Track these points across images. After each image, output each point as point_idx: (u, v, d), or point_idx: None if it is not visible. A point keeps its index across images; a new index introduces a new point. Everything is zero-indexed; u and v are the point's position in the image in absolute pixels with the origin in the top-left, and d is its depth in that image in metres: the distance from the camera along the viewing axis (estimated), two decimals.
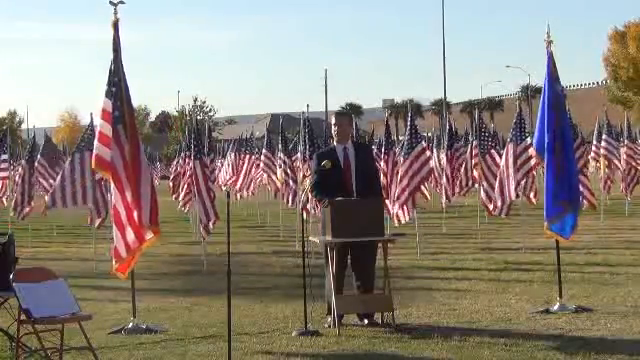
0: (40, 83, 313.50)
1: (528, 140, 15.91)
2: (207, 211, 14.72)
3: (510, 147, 15.98)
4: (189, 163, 17.54)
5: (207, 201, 14.74)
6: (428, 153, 16.32)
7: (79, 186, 14.88)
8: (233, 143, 30.02)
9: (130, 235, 9.05)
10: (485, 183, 18.07)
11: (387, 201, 16.16)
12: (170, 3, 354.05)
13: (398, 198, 15.45)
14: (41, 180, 19.89)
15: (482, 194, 17.83)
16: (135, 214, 8.99)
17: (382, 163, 16.83)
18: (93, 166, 9.58)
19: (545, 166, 10.28)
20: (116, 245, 9.15)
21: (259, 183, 25.87)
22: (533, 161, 15.61)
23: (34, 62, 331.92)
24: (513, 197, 15.64)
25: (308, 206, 15.04)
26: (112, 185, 9.27)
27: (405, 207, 15.40)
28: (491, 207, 17.92)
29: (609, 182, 23.95)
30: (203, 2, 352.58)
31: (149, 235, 9.07)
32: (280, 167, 19.99)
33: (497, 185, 16.30)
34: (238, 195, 26.97)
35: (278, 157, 20.78)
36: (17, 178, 20.17)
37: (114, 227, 9.18)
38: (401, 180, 15.50)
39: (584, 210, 18.10)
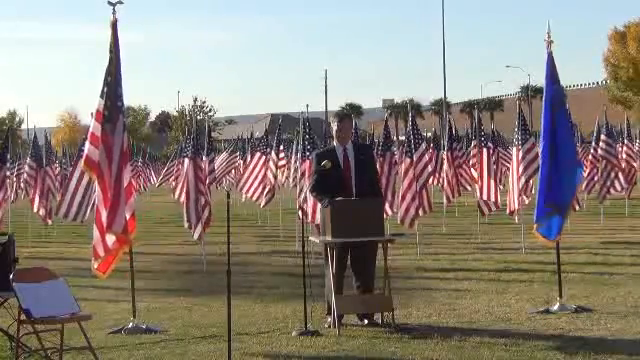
0: (40, 83, 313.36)
1: (532, 140, 15.91)
2: (189, 213, 14.66)
3: (514, 152, 15.94)
4: (182, 162, 17.64)
5: (191, 203, 14.64)
6: (427, 156, 16.31)
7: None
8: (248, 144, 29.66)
9: (111, 238, 9.06)
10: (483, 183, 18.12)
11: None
12: (170, 3, 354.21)
13: (404, 199, 15.49)
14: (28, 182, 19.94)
15: (479, 194, 17.87)
16: (107, 217, 9.01)
17: (378, 165, 16.81)
18: (82, 166, 9.62)
19: (540, 167, 10.28)
20: (95, 244, 9.15)
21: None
22: (537, 162, 15.63)
23: (34, 62, 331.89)
24: (516, 206, 15.62)
25: (304, 206, 15.05)
26: (96, 185, 9.28)
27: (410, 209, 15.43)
28: (485, 209, 18.06)
29: (607, 183, 23.90)
30: (203, 2, 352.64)
31: (128, 237, 9.13)
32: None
33: (510, 189, 16.31)
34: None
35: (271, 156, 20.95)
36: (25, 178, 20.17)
37: (94, 226, 9.19)
38: (408, 181, 15.56)
39: (578, 211, 18.12)
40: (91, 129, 9.32)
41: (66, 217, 16.93)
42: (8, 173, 20.17)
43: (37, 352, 7.75)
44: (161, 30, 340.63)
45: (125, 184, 9.18)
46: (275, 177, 21.18)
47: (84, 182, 15.78)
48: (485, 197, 18.00)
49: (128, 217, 9.19)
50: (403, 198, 15.48)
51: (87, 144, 9.30)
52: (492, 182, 18.03)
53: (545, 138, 10.06)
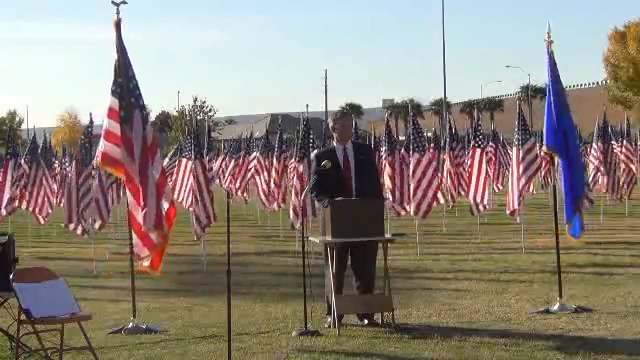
0: (40, 83, 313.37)
1: (532, 140, 15.87)
2: (207, 212, 14.70)
3: (514, 152, 15.93)
4: (186, 163, 17.58)
5: (207, 202, 14.71)
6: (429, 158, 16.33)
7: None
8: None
9: (153, 233, 9.01)
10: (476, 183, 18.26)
11: (394, 202, 16.43)
12: (170, 3, 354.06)
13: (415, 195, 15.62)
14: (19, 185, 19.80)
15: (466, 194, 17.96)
16: (142, 215, 8.97)
17: (387, 165, 16.93)
18: (99, 163, 9.56)
19: (561, 168, 10.32)
20: (135, 250, 9.10)
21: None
22: (538, 162, 15.63)
23: (34, 62, 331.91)
24: (516, 206, 15.61)
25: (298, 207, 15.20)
26: (128, 193, 9.19)
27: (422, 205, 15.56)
28: (475, 209, 18.19)
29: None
30: (203, 2, 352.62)
31: (165, 231, 9.07)
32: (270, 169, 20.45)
33: (510, 190, 16.24)
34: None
35: (273, 159, 20.83)
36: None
37: (132, 231, 9.13)
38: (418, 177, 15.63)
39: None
40: (106, 126, 9.21)
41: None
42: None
43: (37, 352, 7.75)
44: (160, 30, 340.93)
45: (157, 177, 9.10)
46: (276, 184, 20.75)
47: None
48: (472, 197, 18.15)
49: (167, 207, 9.12)
50: (415, 193, 15.59)
51: (103, 141, 9.22)
52: (482, 183, 18.12)
53: (560, 138, 10.10)
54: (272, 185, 20.46)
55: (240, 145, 30.95)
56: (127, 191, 9.19)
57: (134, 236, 9.08)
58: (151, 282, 12.95)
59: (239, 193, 25.31)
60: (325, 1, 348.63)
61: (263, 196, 21.74)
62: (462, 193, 21.47)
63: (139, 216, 8.97)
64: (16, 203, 19.41)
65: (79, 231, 15.61)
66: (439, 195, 19.62)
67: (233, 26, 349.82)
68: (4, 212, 18.99)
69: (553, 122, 10.14)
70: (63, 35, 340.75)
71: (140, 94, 9.26)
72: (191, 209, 15.24)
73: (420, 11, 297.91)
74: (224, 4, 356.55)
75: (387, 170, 16.94)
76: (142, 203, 8.92)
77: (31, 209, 19.64)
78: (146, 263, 9.13)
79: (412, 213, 15.73)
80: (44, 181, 19.88)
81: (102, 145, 9.24)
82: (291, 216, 15.59)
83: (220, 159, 30.17)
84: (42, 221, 19.80)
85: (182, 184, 17.94)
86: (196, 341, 8.83)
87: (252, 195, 25.72)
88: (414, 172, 15.71)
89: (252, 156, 24.91)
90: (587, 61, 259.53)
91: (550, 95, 10.19)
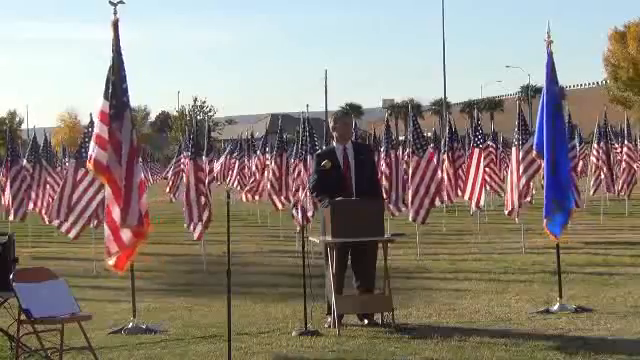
0: (40, 83, 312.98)
1: (531, 141, 15.82)
2: (191, 213, 14.66)
3: (514, 152, 15.92)
4: (186, 163, 17.61)
5: (194, 203, 14.65)
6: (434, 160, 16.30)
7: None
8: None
9: (126, 233, 9.05)
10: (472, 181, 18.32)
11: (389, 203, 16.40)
12: (170, 3, 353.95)
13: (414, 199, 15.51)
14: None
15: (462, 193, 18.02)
16: (120, 212, 8.99)
17: (383, 165, 16.92)
18: (89, 168, 9.57)
19: (544, 166, 10.35)
20: (106, 243, 9.14)
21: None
22: (537, 163, 15.62)
23: (34, 62, 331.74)
24: (516, 206, 15.58)
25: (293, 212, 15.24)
26: (106, 186, 9.24)
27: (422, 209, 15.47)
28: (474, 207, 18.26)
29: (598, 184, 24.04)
30: (203, 2, 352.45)
31: (144, 230, 9.10)
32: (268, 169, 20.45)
33: (509, 189, 16.21)
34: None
35: (273, 159, 20.75)
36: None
37: (105, 225, 9.18)
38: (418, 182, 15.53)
39: (578, 210, 18.20)
40: (97, 131, 9.26)
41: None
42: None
43: (37, 352, 7.75)
44: (159, 30, 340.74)
45: (137, 179, 9.14)
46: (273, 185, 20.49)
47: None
48: (468, 196, 18.11)
49: (143, 213, 9.15)
50: (412, 200, 15.48)
51: (93, 145, 9.25)
52: (479, 182, 18.11)
53: (548, 137, 10.11)
54: (268, 185, 20.44)
55: (240, 145, 31.02)
56: (107, 190, 9.21)
57: (106, 230, 9.10)
58: (151, 282, 13.00)
59: (250, 194, 25.27)
60: (325, 2, 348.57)
61: (244, 193, 21.75)
62: (459, 194, 21.48)
63: (115, 212, 9.00)
64: (25, 204, 19.44)
65: (64, 228, 15.26)
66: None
67: (233, 26, 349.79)
68: (12, 217, 19.03)
69: (543, 124, 10.16)
70: (63, 35, 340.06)
71: (129, 97, 9.33)
72: (183, 208, 15.22)
73: (420, 11, 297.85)
74: (224, 4, 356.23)
75: (384, 170, 16.93)
76: (121, 201, 8.95)
77: (37, 209, 19.67)
78: (111, 262, 9.15)
79: (410, 219, 15.63)
80: (49, 180, 19.90)
81: (92, 149, 9.27)
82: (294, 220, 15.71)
83: (221, 159, 30.26)
84: (47, 221, 19.80)
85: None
86: (196, 341, 8.83)
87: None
88: (412, 176, 15.59)
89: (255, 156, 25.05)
90: (587, 61, 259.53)
91: (544, 97, 10.20)
